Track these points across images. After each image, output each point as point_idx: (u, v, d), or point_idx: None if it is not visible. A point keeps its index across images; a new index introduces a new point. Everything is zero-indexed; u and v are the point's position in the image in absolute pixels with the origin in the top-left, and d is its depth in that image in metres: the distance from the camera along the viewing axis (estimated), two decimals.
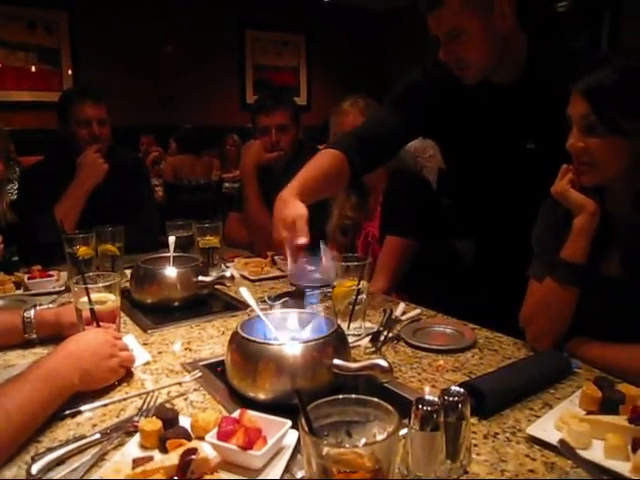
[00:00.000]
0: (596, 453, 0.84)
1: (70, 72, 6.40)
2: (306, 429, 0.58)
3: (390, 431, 0.58)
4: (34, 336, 1.31)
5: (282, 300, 1.51)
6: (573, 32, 6.67)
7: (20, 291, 1.80)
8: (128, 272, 1.92)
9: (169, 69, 6.77)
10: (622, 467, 0.80)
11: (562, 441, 0.82)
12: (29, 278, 1.81)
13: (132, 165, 2.58)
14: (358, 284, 1.34)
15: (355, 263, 1.35)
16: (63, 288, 1.81)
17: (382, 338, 1.32)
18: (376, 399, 0.64)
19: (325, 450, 0.58)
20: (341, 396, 0.66)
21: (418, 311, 1.51)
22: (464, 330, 1.37)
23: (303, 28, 7.85)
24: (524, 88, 1.49)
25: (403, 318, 1.46)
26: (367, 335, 1.35)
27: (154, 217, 2.50)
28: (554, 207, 1.28)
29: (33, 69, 6.24)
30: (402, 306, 1.52)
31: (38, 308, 1.35)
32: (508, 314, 1.33)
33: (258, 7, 7.24)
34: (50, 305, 1.62)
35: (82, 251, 1.80)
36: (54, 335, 1.31)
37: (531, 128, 1.51)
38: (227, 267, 2.04)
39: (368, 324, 1.42)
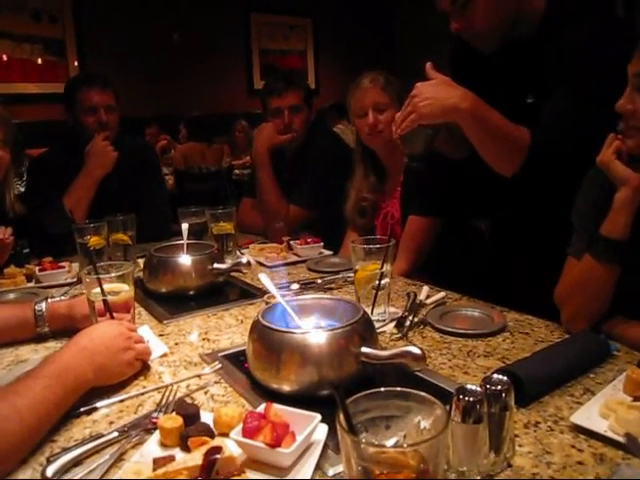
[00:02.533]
0: None
1: (76, 63, 6.34)
2: (346, 428, 0.53)
3: (439, 429, 0.53)
4: (46, 329, 1.27)
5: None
6: None
7: (31, 284, 1.76)
8: (141, 261, 1.88)
9: (175, 56, 6.70)
10: None
11: (629, 435, 0.76)
12: (40, 270, 1.77)
13: (142, 152, 2.53)
14: (382, 267, 1.28)
15: (378, 245, 1.29)
16: (75, 279, 1.77)
17: (408, 323, 1.26)
18: (421, 392, 0.58)
19: (365, 446, 0.53)
20: (382, 389, 0.60)
21: (443, 294, 1.45)
22: (492, 313, 1.31)
23: (310, 11, 7.72)
24: (537, 42, 1.43)
25: (428, 302, 1.40)
26: (392, 320, 1.30)
27: (166, 205, 2.46)
28: (598, 179, 1.21)
29: (39, 61, 6.19)
30: (426, 289, 1.46)
31: (50, 300, 1.30)
32: (536, 296, 1.27)
33: None
34: (62, 297, 1.58)
35: (93, 241, 1.76)
36: (67, 328, 1.27)
37: (537, 82, 1.46)
38: (242, 254, 1.99)
39: (392, 309, 1.36)
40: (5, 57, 5.96)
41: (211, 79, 7.00)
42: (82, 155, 2.27)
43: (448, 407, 0.71)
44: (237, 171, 5.48)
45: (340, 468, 0.71)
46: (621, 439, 0.78)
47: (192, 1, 6.75)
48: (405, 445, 0.55)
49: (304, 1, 7.59)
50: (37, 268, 1.78)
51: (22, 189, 2.50)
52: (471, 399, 0.69)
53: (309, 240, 1.99)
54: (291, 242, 2.01)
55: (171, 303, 1.50)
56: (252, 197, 2.49)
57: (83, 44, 6.31)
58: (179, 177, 4.66)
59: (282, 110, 2.28)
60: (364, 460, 0.52)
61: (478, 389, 0.70)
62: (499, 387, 0.72)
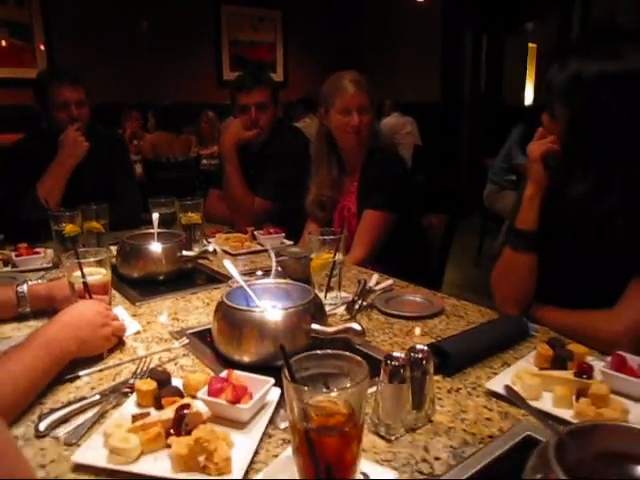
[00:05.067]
0: (546, 403, 0.95)
1: (42, 47, 6.31)
2: (289, 379, 0.67)
3: (360, 380, 0.68)
4: (27, 309, 1.38)
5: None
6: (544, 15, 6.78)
7: (8, 268, 1.85)
8: (113, 248, 1.99)
9: (144, 45, 6.72)
10: (566, 414, 0.91)
11: (508, 387, 0.93)
12: (17, 255, 1.86)
13: (112, 142, 2.62)
14: (334, 256, 1.43)
15: (331, 237, 1.44)
16: (50, 265, 1.87)
17: (357, 307, 1.41)
18: (348, 353, 0.73)
19: (305, 397, 0.68)
20: (319, 351, 0.75)
21: (390, 282, 1.61)
22: (433, 299, 1.47)
23: (279, 3, 7.80)
24: None
25: (377, 288, 1.55)
26: (343, 304, 1.44)
27: (136, 194, 2.55)
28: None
29: (4, 44, 6.14)
30: (376, 277, 1.61)
31: (30, 283, 1.41)
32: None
33: None
34: (39, 281, 1.69)
35: (69, 229, 1.86)
36: (46, 308, 1.39)
37: None
38: (209, 242, 2.11)
39: (344, 294, 1.51)
40: None
41: (180, 69, 7.04)
42: (54, 145, 2.35)
43: (381, 370, 0.86)
44: (205, 161, 5.55)
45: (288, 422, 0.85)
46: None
47: None
48: (335, 393, 0.70)
49: None
50: (14, 254, 1.87)
51: None
52: (396, 364, 0.84)
53: (271, 230, 2.13)
54: (255, 232, 2.14)
55: (143, 287, 1.62)
56: (219, 188, 2.60)
57: (50, 29, 6.28)
58: (147, 166, 4.72)
59: (249, 107, 2.40)
60: (304, 405, 0.67)
61: (402, 356, 0.86)
62: (420, 355, 0.88)
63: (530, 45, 8.35)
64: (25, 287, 1.39)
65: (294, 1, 7.78)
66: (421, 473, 0.78)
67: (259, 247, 2.05)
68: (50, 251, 1.97)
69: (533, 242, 1.28)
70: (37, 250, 1.92)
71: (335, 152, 2.13)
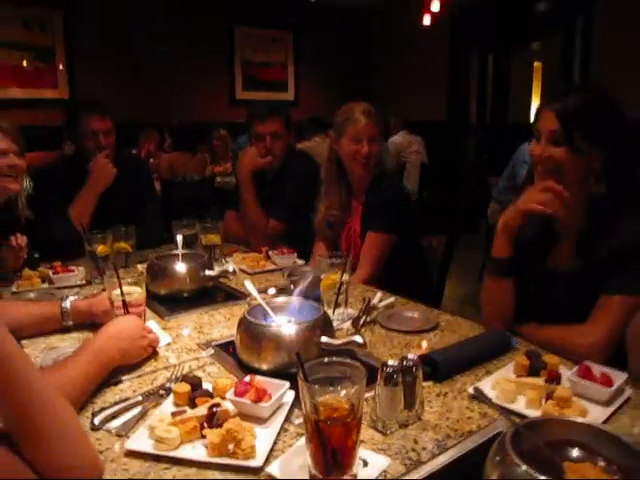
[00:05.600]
0: (520, 404, 1.12)
1: (63, 68, 6.56)
2: (304, 380, 0.85)
3: (359, 383, 0.85)
4: (70, 323, 1.57)
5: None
6: (550, 33, 6.97)
7: (45, 285, 2.04)
8: (139, 266, 2.19)
9: (160, 65, 6.95)
10: (535, 413, 1.08)
11: (476, 388, 1.11)
12: (54, 273, 2.05)
13: (136, 167, 2.83)
14: (341, 277, 1.61)
15: (339, 260, 1.62)
16: (84, 282, 2.06)
17: (361, 322, 1.58)
18: (350, 360, 0.91)
19: (316, 394, 0.85)
20: (326, 359, 0.93)
21: (392, 299, 1.78)
22: (430, 315, 1.64)
23: (291, 25, 8.05)
24: None
25: (380, 305, 1.72)
26: (349, 319, 1.62)
27: (158, 216, 2.75)
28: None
29: (28, 67, 6.41)
30: (379, 295, 1.79)
31: (72, 299, 1.60)
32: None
33: (247, 4, 7.45)
34: (76, 297, 1.88)
35: (101, 249, 2.05)
36: (86, 322, 1.58)
37: None
38: (227, 261, 2.30)
39: (350, 310, 1.68)
40: None
41: (194, 88, 7.29)
42: (82, 170, 2.56)
43: (378, 375, 1.04)
44: (218, 178, 5.76)
45: (302, 419, 1.02)
46: (500, 402, 1.11)
47: (179, 12, 7.03)
48: (340, 392, 0.87)
49: (285, 15, 7.91)
50: (51, 271, 2.07)
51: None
52: (390, 370, 1.02)
53: (285, 251, 2.31)
54: (269, 252, 2.33)
55: (169, 303, 1.80)
56: (235, 210, 2.79)
57: (71, 52, 6.54)
58: (165, 185, 4.94)
59: (264, 136, 2.59)
60: (314, 401, 0.84)
61: (396, 364, 1.03)
62: (411, 363, 1.05)
63: (536, 64, 8.54)
64: (68, 303, 1.57)
65: (305, 22, 8.03)
66: (410, 459, 0.96)
67: (273, 266, 2.23)
68: (82, 268, 2.16)
69: (507, 269, 1.45)
70: (71, 268, 2.11)
71: (344, 176, 2.31)
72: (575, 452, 0.79)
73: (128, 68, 6.75)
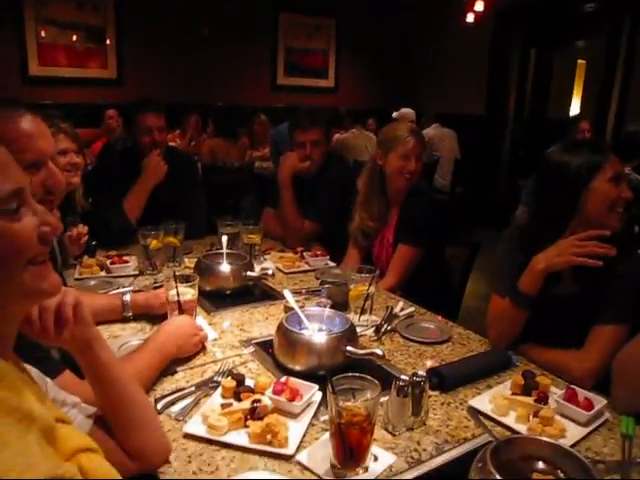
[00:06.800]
0: (510, 419, 1.32)
1: (111, 47, 6.80)
2: (331, 391, 1.07)
3: (374, 395, 1.07)
4: (130, 314, 1.81)
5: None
6: (594, 34, 6.95)
7: (103, 273, 2.30)
8: (186, 259, 2.43)
9: (205, 48, 7.16)
10: (522, 428, 1.28)
11: (470, 407, 1.34)
12: (111, 263, 2.31)
13: (186, 166, 3.06)
14: (368, 289, 1.82)
15: (367, 275, 1.83)
16: (137, 272, 2.31)
17: (383, 330, 1.80)
18: (369, 376, 1.13)
19: (340, 402, 1.07)
20: (350, 374, 1.15)
21: (412, 309, 1.99)
22: (444, 327, 1.85)
23: (334, 12, 8.15)
24: None
25: (400, 314, 1.93)
26: (372, 326, 1.83)
27: (202, 212, 2.98)
28: (515, 238, 1.75)
29: (79, 46, 6.68)
30: (401, 304, 2.00)
31: (132, 293, 1.85)
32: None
33: None
34: (132, 287, 2.13)
35: (153, 244, 2.29)
36: (143, 313, 1.82)
37: None
38: (265, 259, 2.53)
39: (374, 317, 1.89)
40: (50, 42, 6.45)
41: (237, 72, 7.50)
42: (135, 164, 2.79)
43: (392, 386, 1.25)
44: (257, 164, 5.97)
45: (327, 417, 1.24)
46: (494, 415, 1.32)
47: None
48: (358, 402, 1.09)
49: (330, 2, 8.03)
50: (108, 261, 2.32)
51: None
52: (402, 384, 1.23)
53: (318, 253, 2.53)
54: (304, 253, 2.55)
55: (214, 299, 2.04)
56: (274, 207, 3.01)
57: (121, 34, 6.79)
58: (205, 169, 5.18)
59: (305, 143, 2.79)
60: (339, 408, 1.06)
61: (407, 378, 1.25)
62: (419, 379, 1.27)
63: (579, 61, 8.49)
64: (129, 297, 1.82)
65: (348, 11, 8.13)
66: (412, 458, 1.17)
67: (307, 267, 2.45)
68: (134, 258, 2.41)
69: (532, 303, 1.62)
70: (126, 259, 2.36)
71: (384, 188, 2.49)
72: (542, 465, 0.99)
73: (173, 51, 6.99)
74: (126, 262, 2.34)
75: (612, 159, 1.58)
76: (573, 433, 1.26)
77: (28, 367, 0.89)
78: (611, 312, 1.55)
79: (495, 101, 7.59)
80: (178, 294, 1.66)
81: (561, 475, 0.97)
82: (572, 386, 1.39)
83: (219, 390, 1.37)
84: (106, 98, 6.41)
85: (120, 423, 1.05)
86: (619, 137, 5.27)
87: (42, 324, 0.95)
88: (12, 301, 0.77)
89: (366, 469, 1.12)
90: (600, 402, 1.34)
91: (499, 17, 7.15)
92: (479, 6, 6.17)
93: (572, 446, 1.17)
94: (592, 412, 1.30)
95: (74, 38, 6.63)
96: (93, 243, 2.51)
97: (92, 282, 2.18)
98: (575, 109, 8.08)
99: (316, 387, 1.33)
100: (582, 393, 1.36)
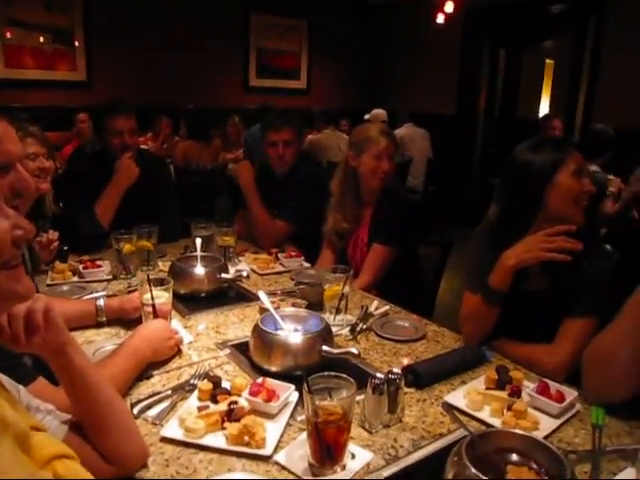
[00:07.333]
0: (485, 413, 1.34)
1: (79, 49, 6.70)
2: (308, 391, 1.08)
3: (350, 394, 1.08)
4: (104, 319, 1.79)
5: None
6: (561, 34, 7.08)
7: (76, 278, 2.27)
8: (160, 263, 2.42)
9: (176, 50, 7.10)
10: (497, 422, 1.30)
11: (445, 402, 1.37)
12: (84, 268, 2.28)
13: (158, 168, 3.03)
14: (342, 289, 1.83)
15: (341, 275, 1.84)
16: (111, 277, 2.28)
17: (358, 329, 1.81)
18: (345, 375, 1.14)
19: (316, 402, 1.08)
20: (326, 373, 1.15)
21: (387, 307, 2.00)
22: (419, 325, 1.87)
23: (305, 14, 8.16)
24: None
25: (375, 313, 1.94)
26: (348, 325, 1.84)
27: (175, 214, 2.96)
28: (486, 235, 1.78)
29: (47, 48, 6.57)
30: (375, 303, 2.01)
31: (105, 298, 1.83)
32: None
33: None
34: (105, 291, 2.11)
35: (127, 248, 2.27)
36: (117, 318, 1.80)
37: None
38: (239, 261, 2.53)
39: (349, 316, 1.90)
40: (16, 44, 6.34)
41: (208, 74, 7.45)
42: (106, 167, 2.76)
43: (368, 385, 1.26)
44: (230, 166, 5.94)
45: (304, 416, 1.25)
46: (469, 410, 1.34)
47: None
48: (335, 401, 1.10)
49: (301, 3, 8.03)
50: (81, 266, 2.29)
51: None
52: (377, 382, 1.24)
53: (292, 254, 2.53)
54: (278, 254, 2.55)
55: (188, 301, 2.02)
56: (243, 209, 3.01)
57: (89, 35, 6.70)
58: (178, 172, 5.14)
59: (277, 143, 2.80)
60: (315, 407, 1.07)
61: (383, 376, 1.26)
62: (395, 376, 1.28)
63: (547, 61, 8.64)
64: (102, 301, 1.80)
65: (320, 12, 8.15)
66: (389, 455, 1.19)
67: (281, 268, 2.46)
68: (107, 263, 2.38)
69: (502, 299, 1.65)
70: (99, 263, 2.34)
71: (357, 189, 2.50)
72: (515, 457, 1.01)
73: (144, 52, 6.92)
74: (99, 267, 2.31)
75: (574, 154, 1.62)
76: (546, 425, 1.29)
77: (0, 375, 0.88)
78: (580, 306, 1.58)
79: (466, 101, 7.68)
80: (152, 298, 1.65)
81: (534, 466, 0.99)
82: (544, 379, 1.42)
83: (195, 393, 1.36)
84: (75, 101, 6.31)
85: (96, 427, 1.04)
86: (586, 135, 5.38)
87: (12, 331, 0.94)
88: None
89: (344, 467, 1.13)
90: (571, 394, 1.37)
91: (469, 18, 7.24)
92: (449, 7, 6.25)
93: (545, 437, 1.19)
94: (564, 404, 1.33)
95: (41, 40, 6.52)
96: (65, 248, 2.47)
97: (65, 287, 2.15)
98: (544, 108, 8.23)
99: (292, 387, 1.34)
100: (554, 386, 1.39)
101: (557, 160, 1.60)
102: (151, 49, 6.95)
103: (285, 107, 4.36)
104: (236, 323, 1.87)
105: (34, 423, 0.83)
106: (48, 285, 2.17)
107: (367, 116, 6.71)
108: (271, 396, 1.29)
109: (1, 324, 0.92)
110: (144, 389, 1.42)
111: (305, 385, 1.09)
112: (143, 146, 4.86)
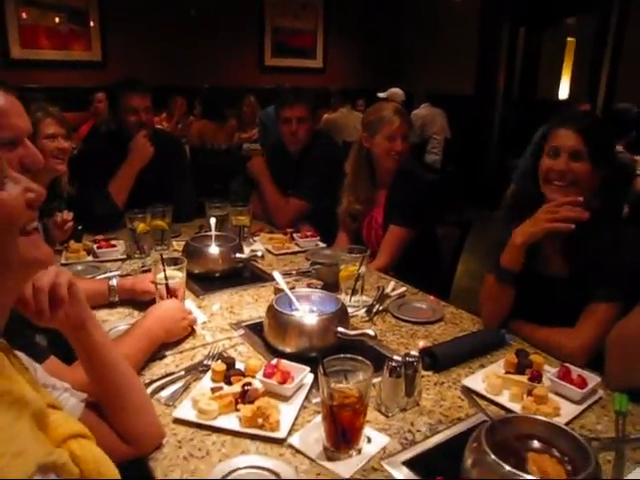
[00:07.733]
0: (504, 398, 1.31)
1: (94, 29, 6.66)
2: (323, 373, 1.05)
3: (366, 376, 1.05)
4: (116, 299, 1.78)
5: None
6: (584, 11, 6.89)
7: (90, 257, 2.26)
8: (174, 242, 2.40)
9: (190, 30, 7.04)
10: (516, 407, 1.27)
11: (463, 386, 1.33)
12: (98, 248, 2.27)
13: (173, 148, 3.01)
14: (359, 269, 1.80)
15: (357, 255, 1.80)
16: (125, 256, 2.27)
17: (374, 310, 1.78)
18: (361, 357, 1.11)
19: (332, 384, 1.05)
20: (341, 355, 1.12)
21: (404, 289, 1.97)
22: (436, 307, 1.83)
23: None
24: None
25: (392, 294, 1.91)
26: (364, 307, 1.81)
27: (190, 194, 2.93)
28: (506, 215, 1.73)
29: (62, 28, 6.54)
30: (392, 284, 1.98)
31: (118, 278, 1.81)
32: None
33: None
34: (119, 271, 2.10)
35: (141, 228, 2.26)
36: (130, 298, 1.78)
37: None
38: (254, 241, 2.50)
39: (365, 297, 1.87)
40: (32, 24, 6.31)
41: (224, 53, 7.39)
42: (121, 146, 2.74)
43: (384, 367, 1.23)
44: (245, 146, 5.90)
45: (319, 399, 1.22)
46: (488, 394, 1.31)
47: None
48: (351, 383, 1.07)
49: None
50: (95, 246, 2.28)
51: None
52: (395, 364, 1.21)
53: (308, 234, 2.50)
54: (294, 234, 2.52)
55: (203, 281, 2.01)
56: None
57: (104, 15, 6.65)
58: (193, 152, 5.11)
59: (291, 120, 2.76)
60: (330, 390, 1.04)
61: (400, 358, 1.23)
62: (412, 359, 1.25)
63: (569, 39, 8.44)
64: (115, 281, 1.79)
65: None
66: (406, 439, 1.16)
67: (297, 248, 2.43)
68: (122, 242, 2.37)
69: (515, 279, 1.61)
70: (113, 243, 2.32)
71: (371, 170, 2.46)
72: (537, 444, 0.98)
73: (159, 32, 6.86)
74: (113, 246, 2.30)
75: (560, 132, 1.59)
76: (567, 411, 1.25)
77: (18, 354, 0.87)
78: (604, 290, 1.53)
79: (484, 81, 7.54)
80: (166, 277, 1.63)
81: (556, 453, 0.95)
82: (566, 364, 1.38)
83: (209, 374, 1.34)
84: (91, 81, 6.29)
85: (113, 405, 1.03)
86: (608, 115, 5.25)
87: (37, 305, 0.92)
88: (7, 274, 0.74)
89: (359, 451, 1.10)
90: (594, 380, 1.33)
91: None
92: None
93: (566, 424, 1.16)
94: (586, 390, 1.29)
95: (57, 20, 6.48)
96: (79, 227, 2.47)
97: (79, 267, 2.14)
98: (564, 88, 8.05)
99: (307, 369, 1.31)
100: (575, 371, 1.35)
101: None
102: (166, 28, 6.89)
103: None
104: (250, 303, 1.85)
105: (51, 401, 0.82)
106: (62, 264, 2.16)
107: (382, 94, 6.59)
108: (286, 378, 1.27)
109: (26, 297, 0.91)
110: (157, 370, 1.41)
111: (320, 367, 1.06)
112: (158, 126, 4.85)
